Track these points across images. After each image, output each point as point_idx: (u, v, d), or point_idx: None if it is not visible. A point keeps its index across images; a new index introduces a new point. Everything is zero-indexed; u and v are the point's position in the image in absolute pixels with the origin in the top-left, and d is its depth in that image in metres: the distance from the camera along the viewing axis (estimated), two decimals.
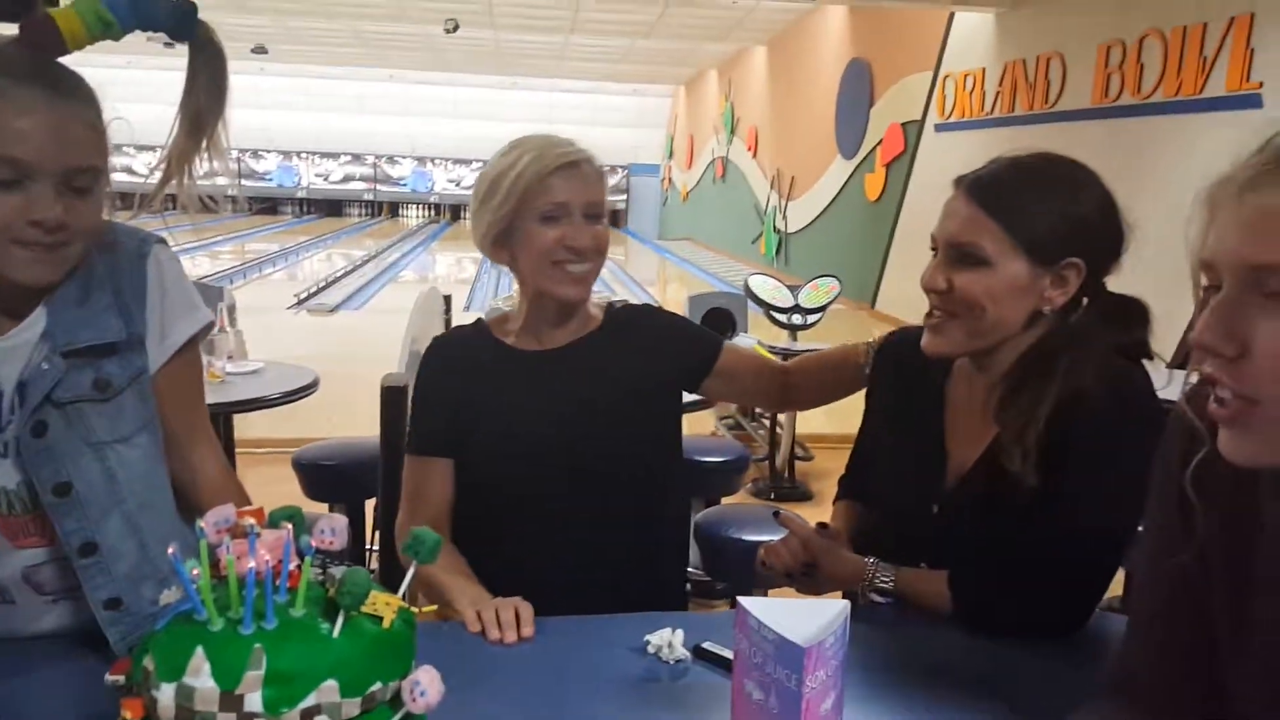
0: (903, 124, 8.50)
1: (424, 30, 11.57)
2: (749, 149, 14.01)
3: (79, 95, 0.93)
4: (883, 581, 1.17)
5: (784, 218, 12.15)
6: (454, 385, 1.35)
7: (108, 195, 0.98)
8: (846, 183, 9.94)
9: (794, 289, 4.55)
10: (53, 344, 0.98)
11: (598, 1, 9.78)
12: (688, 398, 1.52)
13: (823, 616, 0.84)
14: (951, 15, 7.62)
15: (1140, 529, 0.84)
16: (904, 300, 8.40)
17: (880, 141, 8.99)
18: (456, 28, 10.60)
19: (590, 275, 1.32)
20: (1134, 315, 1.12)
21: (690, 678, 1.02)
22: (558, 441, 1.31)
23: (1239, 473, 0.66)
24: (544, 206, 1.27)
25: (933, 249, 1.13)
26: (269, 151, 19.17)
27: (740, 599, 0.86)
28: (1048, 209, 1.07)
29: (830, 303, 4.58)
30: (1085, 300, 1.12)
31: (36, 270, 0.94)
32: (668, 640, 1.05)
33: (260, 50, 12.55)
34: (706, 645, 1.06)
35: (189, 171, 1.03)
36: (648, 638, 1.05)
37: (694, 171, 17.76)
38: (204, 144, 1.03)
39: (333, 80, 17.87)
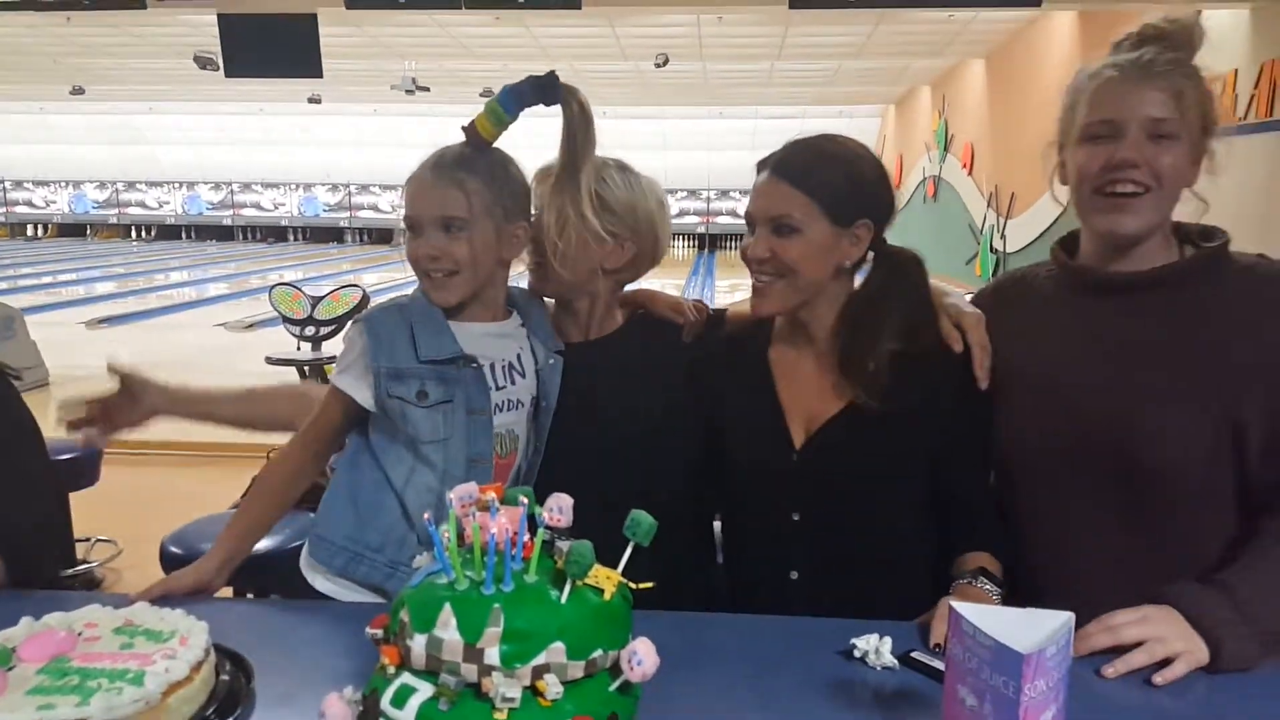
0: None
1: (635, 66, 12.04)
2: (964, 166, 13.34)
3: (466, 172, 1.26)
4: (994, 589, 1.17)
5: (1002, 236, 11.42)
6: None
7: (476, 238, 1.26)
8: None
9: None
10: (543, 346, 1.35)
11: (806, 25, 9.72)
12: None
13: (1044, 626, 0.81)
14: (1197, 14, 6.90)
15: None
16: None
17: None
18: (667, 61, 10.94)
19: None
20: (909, 261, 1.33)
21: (898, 684, 1.00)
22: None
23: None
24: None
25: (749, 225, 1.29)
26: None
27: (953, 603, 0.84)
28: (840, 177, 1.26)
29: None
30: (872, 254, 1.32)
31: (441, 295, 1.27)
32: (874, 646, 1.04)
33: (487, 94, 13.56)
34: (916, 654, 1.04)
35: (575, 206, 1.31)
36: (854, 641, 1.05)
37: (903, 191, 17.10)
38: (579, 180, 1.30)
39: (556, 119, 19.04)
